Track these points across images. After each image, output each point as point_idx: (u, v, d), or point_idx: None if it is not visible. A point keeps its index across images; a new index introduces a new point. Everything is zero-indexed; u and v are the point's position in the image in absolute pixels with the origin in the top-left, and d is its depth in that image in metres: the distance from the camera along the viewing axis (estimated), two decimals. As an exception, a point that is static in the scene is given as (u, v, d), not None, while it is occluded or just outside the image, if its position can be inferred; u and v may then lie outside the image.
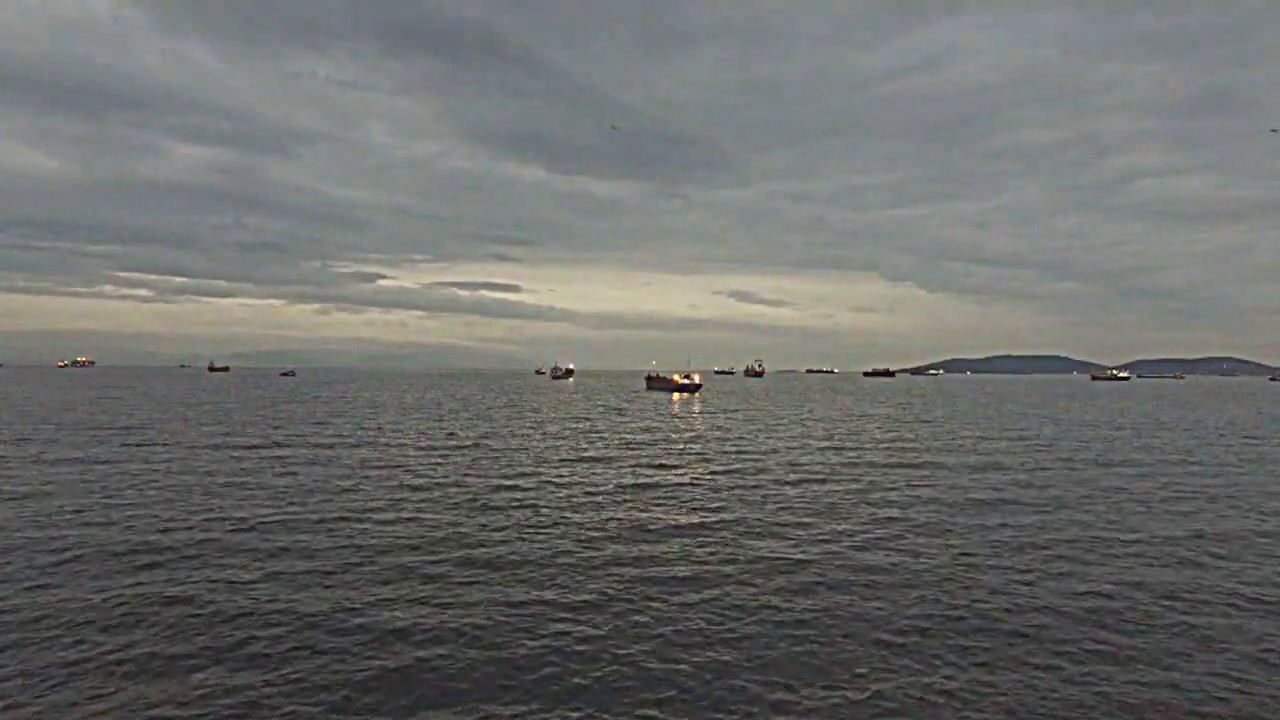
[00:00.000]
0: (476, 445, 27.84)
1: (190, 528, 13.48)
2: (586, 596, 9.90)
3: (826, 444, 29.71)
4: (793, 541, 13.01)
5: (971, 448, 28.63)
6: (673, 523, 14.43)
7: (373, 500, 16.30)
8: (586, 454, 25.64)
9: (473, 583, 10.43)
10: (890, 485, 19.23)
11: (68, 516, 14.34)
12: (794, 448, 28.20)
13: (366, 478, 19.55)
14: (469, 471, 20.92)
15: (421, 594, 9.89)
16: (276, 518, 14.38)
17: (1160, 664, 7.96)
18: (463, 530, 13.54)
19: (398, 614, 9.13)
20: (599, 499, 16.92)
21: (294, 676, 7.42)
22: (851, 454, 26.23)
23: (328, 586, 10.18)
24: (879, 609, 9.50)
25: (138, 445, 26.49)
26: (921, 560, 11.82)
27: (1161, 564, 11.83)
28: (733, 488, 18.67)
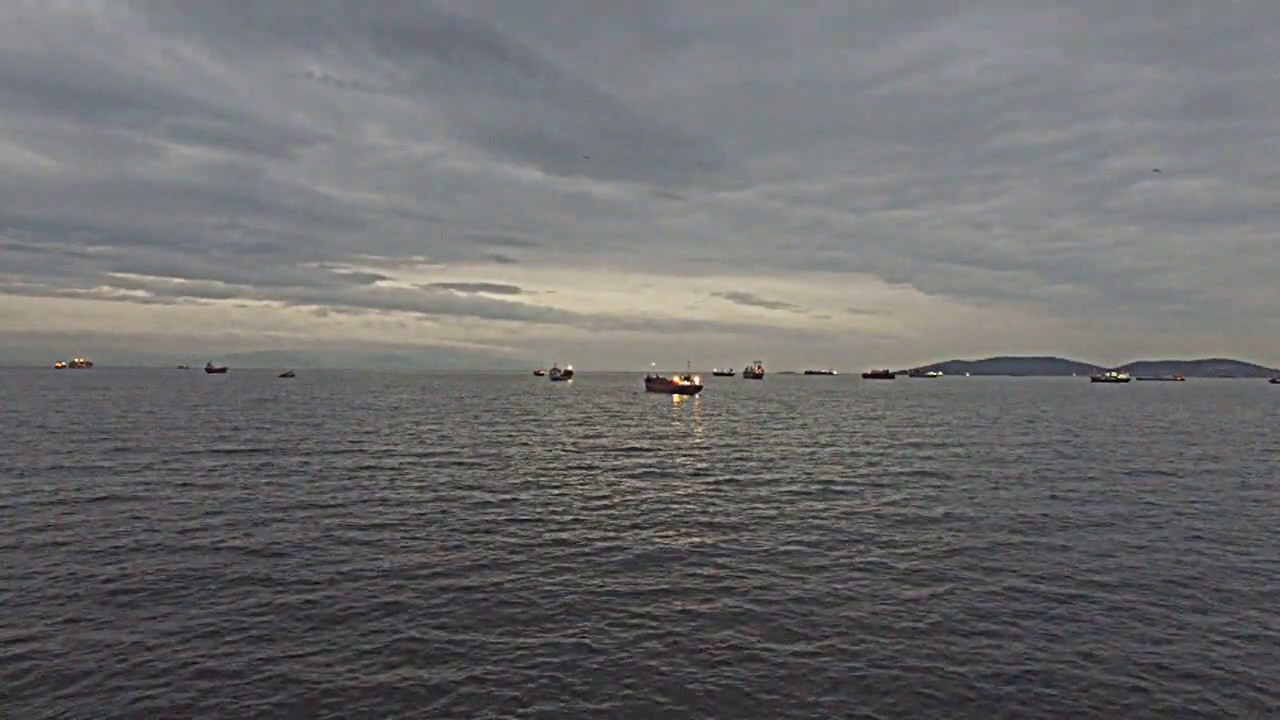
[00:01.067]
0: (473, 451, 26.75)
1: (156, 552, 12.36)
2: (589, 640, 8.82)
3: (834, 449, 28.63)
4: (813, 566, 11.91)
5: (991, 455, 27.56)
6: (680, 544, 13.33)
7: (360, 518, 15.18)
8: (586, 461, 24.55)
9: (469, 622, 9.35)
10: (910, 499, 18.11)
11: (19, 536, 13.23)
12: (800, 453, 27.11)
13: (362, 487, 18.44)
14: (464, 482, 19.81)
15: (410, 639, 8.79)
16: (255, 539, 13.27)
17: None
18: (458, 554, 12.43)
19: (383, 668, 8.04)
20: (601, 514, 15.82)
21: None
22: (863, 460, 25.14)
23: (303, 624, 9.09)
24: (918, 664, 8.42)
25: (120, 450, 25.40)
26: (958, 593, 10.74)
27: (1228, 603, 10.78)
28: (743, 500, 17.56)
